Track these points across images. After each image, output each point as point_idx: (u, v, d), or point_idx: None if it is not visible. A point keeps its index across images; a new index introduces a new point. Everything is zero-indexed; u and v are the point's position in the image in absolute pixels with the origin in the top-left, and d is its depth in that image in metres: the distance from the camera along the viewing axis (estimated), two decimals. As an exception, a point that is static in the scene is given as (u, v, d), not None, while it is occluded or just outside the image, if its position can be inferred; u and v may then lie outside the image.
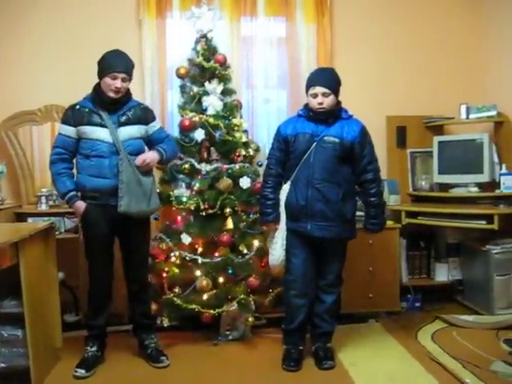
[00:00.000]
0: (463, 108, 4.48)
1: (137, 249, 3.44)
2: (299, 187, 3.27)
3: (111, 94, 3.22)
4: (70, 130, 3.26)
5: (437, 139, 4.55)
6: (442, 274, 4.58)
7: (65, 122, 3.30)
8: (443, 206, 4.30)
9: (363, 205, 3.43)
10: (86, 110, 3.26)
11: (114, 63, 3.22)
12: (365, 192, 3.36)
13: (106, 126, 3.23)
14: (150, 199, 3.33)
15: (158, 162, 3.43)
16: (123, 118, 3.29)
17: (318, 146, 3.25)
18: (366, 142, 3.31)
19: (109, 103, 3.25)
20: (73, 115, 3.26)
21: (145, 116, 3.40)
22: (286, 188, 3.35)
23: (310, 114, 3.33)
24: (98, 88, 3.28)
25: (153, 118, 3.47)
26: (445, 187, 4.56)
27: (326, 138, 3.26)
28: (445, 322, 4.07)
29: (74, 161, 3.34)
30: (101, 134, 3.22)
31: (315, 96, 3.28)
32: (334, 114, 3.32)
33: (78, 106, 3.28)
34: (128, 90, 3.36)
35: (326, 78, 3.34)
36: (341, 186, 3.26)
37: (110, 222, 3.28)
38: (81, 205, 3.26)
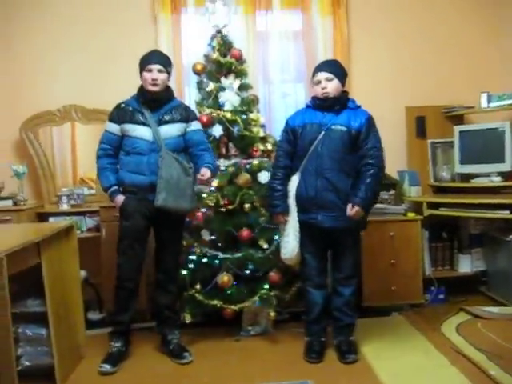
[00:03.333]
0: (484, 96, 4.41)
1: (170, 244, 3.47)
2: (308, 177, 3.26)
3: (150, 88, 3.32)
4: (114, 128, 3.37)
5: (457, 129, 4.49)
6: (466, 265, 4.53)
7: (110, 119, 3.41)
8: (465, 196, 4.24)
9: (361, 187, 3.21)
10: (130, 108, 3.36)
11: (148, 58, 3.37)
12: (362, 174, 3.21)
13: (147, 125, 3.30)
14: (188, 198, 3.34)
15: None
16: (165, 117, 3.36)
17: (325, 135, 3.23)
18: (371, 130, 3.26)
19: (150, 100, 3.34)
20: (117, 113, 3.38)
21: (187, 115, 3.45)
22: (295, 179, 3.32)
23: (316, 103, 3.33)
24: (141, 88, 3.41)
25: (194, 118, 3.51)
26: (466, 177, 4.50)
27: (333, 126, 3.24)
28: (469, 314, 4.02)
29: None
30: (141, 131, 3.30)
31: (318, 82, 3.29)
32: (341, 102, 3.30)
33: (123, 105, 3.40)
34: (169, 88, 3.45)
35: (329, 64, 3.39)
36: (349, 175, 3.23)
37: (147, 216, 3.34)
38: (120, 199, 3.34)
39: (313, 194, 3.23)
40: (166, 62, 3.38)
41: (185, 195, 3.32)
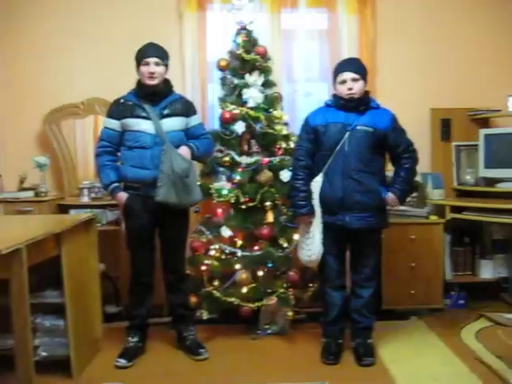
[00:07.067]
0: (511, 100, 4.33)
1: (175, 240, 3.47)
2: (334, 178, 3.21)
3: (147, 81, 3.28)
4: (114, 124, 3.34)
5: (483, 132, 4.41)
6: (487, 270, 4.45)
7: (109, 115, 3.38)
8: (489, 201, 4.16)
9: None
10: (130, 103, 3.32)
11: (144, 51, 3.32)
12: (398, 168, 3.30)
13: (149, 118, 3.27)
14: (191, 191, 3.33)
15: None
16: (165, 111, 3.33)
17: (351, 135, 3.19)
18: (398, 130, 3.27)
19: (149, 94, 3.30)
20: (117, 109, 3.34)
21: (187, 109, 3.44)
22: (318, 180, 3.27)
23: (340, 102, 3.27)
24: (139, 82, 3.36)
25: (194, 112, 3.50)
26: (491, 182, 4.42)
27: (358, 127, 3.20)
28: (489, 321, 3.96)
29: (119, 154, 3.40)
30: (144, 125, 3.27)
31: (344, 82, 3.23)
32: (365, 102, 3.26)
33: (122, 100, 3.36)
34: (168, 81, 3.42)
35: (355, 64, 3.31)
36: (376, 175, 3.22)
37: (151, 213, 3.31)
38: (122, 196, 3.31)
39: (340, 194, 3.19)
40: (162, 55, 3.34)
41: (188, 189, 3.30)
